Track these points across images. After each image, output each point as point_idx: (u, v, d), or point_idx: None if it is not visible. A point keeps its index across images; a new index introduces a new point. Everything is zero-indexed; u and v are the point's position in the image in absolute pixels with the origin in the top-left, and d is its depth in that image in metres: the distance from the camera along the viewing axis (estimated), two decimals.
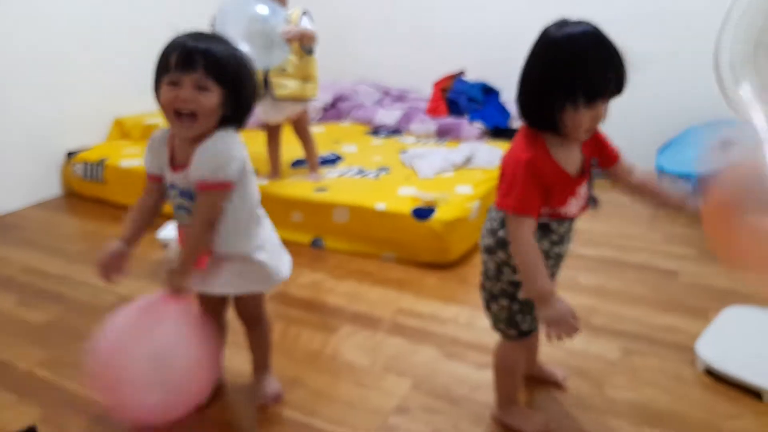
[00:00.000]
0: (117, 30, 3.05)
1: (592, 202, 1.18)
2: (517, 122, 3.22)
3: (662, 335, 1.66)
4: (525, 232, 1.06)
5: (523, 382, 1.42)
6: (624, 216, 2.57)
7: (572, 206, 1.13)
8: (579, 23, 1.00)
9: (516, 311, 1.19)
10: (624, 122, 3.23)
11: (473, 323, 1.72)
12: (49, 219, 2.63)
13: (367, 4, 3.77)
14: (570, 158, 1.09)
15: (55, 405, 1.41)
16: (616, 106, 3.07)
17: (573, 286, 1.92)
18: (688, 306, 1.81)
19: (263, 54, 2.08)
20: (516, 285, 1.17)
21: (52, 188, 2.89)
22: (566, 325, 1.04)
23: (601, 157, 1.17)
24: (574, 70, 0.97)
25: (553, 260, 1.19)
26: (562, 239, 1.18)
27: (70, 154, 2.87)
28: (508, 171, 1.08)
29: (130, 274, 2.04)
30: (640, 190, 1.19)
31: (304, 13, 2.25)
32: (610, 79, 0.99)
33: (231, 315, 1.42)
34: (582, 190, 1.13)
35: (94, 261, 1.26)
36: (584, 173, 1.13)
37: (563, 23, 1.01)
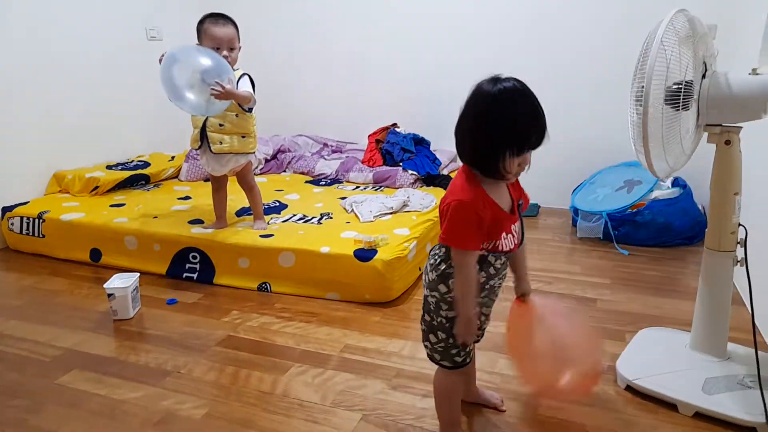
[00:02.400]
0: (55, 84, 3.06)
1: (522, 238, 1.32)
2: (445, 170, 3.45)
3: None
4: (468, 263, 1.18)
5: (464, 408, 1.52)
6: (545, 252, 2.80)
7: (507, 241, 1.25)
8: (508, 79, 1.13)
9: (451, 345, 1.29)
10: (543, 166, 3.55)
11: (416, 356, 1.82)
12: None
13: (306, 67, 3.99)
14: (502, 197, 1.22)
15: None
16: (534, 154, 3.37)
17: (504, 316, 2.07)
18: (607, 330, 1.99)
19: (204, 104, 2.17)
20: (451, 320, 1.27)
21: None
22: (468, 328, 1.23)
23: (522, 200, 1.32)
24: (507, 124, 1.11)
25: (487, 292, 1.30)
26: (498, 272, 1.28)
27: (5, 210, 2.80)
28: (450, 211, 1.16)
29: (74, 326, 2.04)
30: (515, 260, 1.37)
31: (243, 75, 2.34)
32: (536, 132, 1.13)
33: None
34: (515, 227, 1.26)
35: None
36: (514, 212, 1.26)
37: (495, 79, 1.13)
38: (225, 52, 2.26)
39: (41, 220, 2.69)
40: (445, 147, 3.65)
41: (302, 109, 4.07)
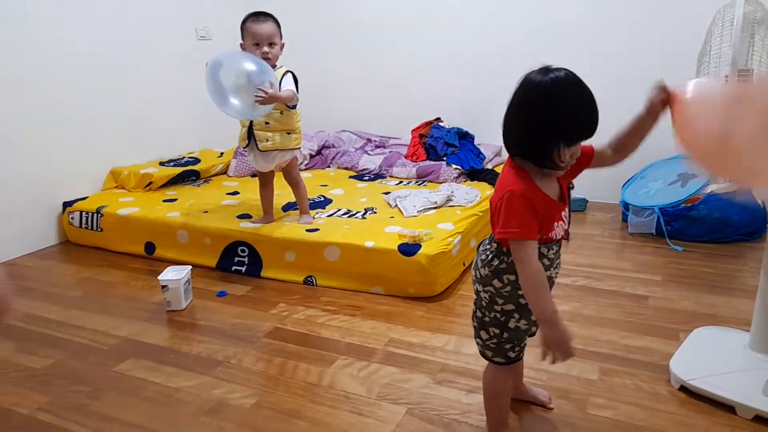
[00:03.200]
0: (111, 85, 3.19)
1: (568, 232, 1.27)
2: (490, 164, 3.41)
3: (637, 356, 1.76)
4: (531, 255, 1.12)
5: (512, 405, 1.51)
6: (594, 248, 2.73)
7: (559, 229, 1.22)
8: (559, 69, 1.09)
9: (505, 340, 1.27)
10: None
11: (461, 351, 1.82)
12: (46, 267, 2.68)
13: (349, 63, 4.01)
14: (550, 187, 1.18)
15: None
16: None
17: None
18: (660, 328, 1.94)
19: (249, 108, 2.23)
20: (507, 314, 1.25)
21: (50, 238, 2.96)
22: (565, 348, 1.11)
23: (579, 168, 1.24)
24: (561, 114, 1.07)
25: (557, 259, 1.29)
26: (552, 263, 1.25)
27: (66, 205, 2.95)
28: (504, 203, 1.12)
29: (131, 316, 2.14)
30: (623, 145, 1.28)
31: (287, 73, 2.39)
32: (588, 122, 1.10)
33: None
34: (564, 213, 1.24)
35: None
36: (563, 199, 1.22)
37: (546, 69, 1.09)
38: (265, 48, 2.30)
39: (99, 215, 2.82)
40: (489, 141, 3.61)
41: (346, 104, 4.10)
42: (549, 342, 1.12)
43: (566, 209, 1.24)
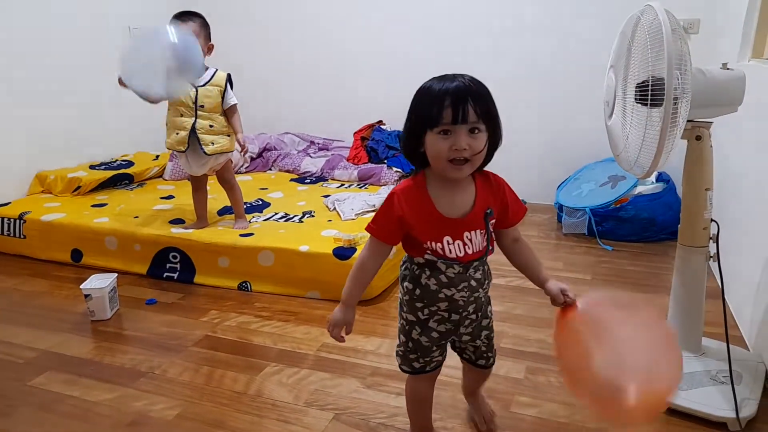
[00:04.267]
0: (38, 85, 3.04)
1: (488, 250, 1.19)
2: None
3: None
4: (368, 249, 1.20)
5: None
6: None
7: (455, 248, 1.14)
8: (451, 76, 1.07)
9: (409, 350, 1.25)
10: (527, 162, 3.56)
11: (392, 354, 1.77)
12: None
13: (292, 65, 3.97)
14: (449, 199, 1.13)
15: None
16: (518, 150, 3.41)
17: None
18: None
19: (173, 81, 2.15)
20: (409, 324, 1.23)
21: None
22: (333, 329, 1.22)
23: (501, 214, 1.18)
24: (417, 103, 1.09)
25: (447, 303, 1.18)
26: (453, 283, 1.16)
27: None
28: None
29: (52, 328, 2.04)
30: (519, 266, 1.26)
31: (229, 81, 2.38)
32: (446, 105, 1.04)
33: None
34: (471, 236, 1.15)
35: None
36: (470, 219, 1.15)
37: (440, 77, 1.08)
38: None
39: (22, 221, 2.68)
40: None
41: (289, 107, 4.05)
42: (329, 319, 1.23)
43: (473, 232, 1.15)
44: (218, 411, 1.55)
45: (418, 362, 1.27)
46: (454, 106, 1.04)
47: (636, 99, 1.38)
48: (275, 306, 2.19)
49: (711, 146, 1.49)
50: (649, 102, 1.33)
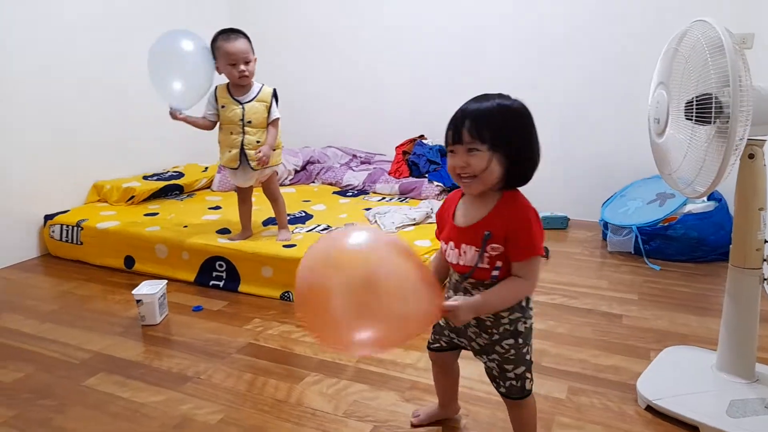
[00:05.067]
0: (97, 100, 3.21)
1: (473, 269, 1.19)
2: None
3: (607, 375, 1.77)
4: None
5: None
6: (572, 266, 2.75)
7: (450, 251, 1.22)
8: (478, 97, 1.17)
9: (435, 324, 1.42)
10: (572, 179, 3.51)
11: (427, 368, 1.81)
12: (24, 280, 2.67)
13: (336, 80, 4.05)
14: (466, 209, 1.23)
15: None
16: (563, 165, 3.36)
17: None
18: (631, 347, 1.94)
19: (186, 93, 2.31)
20: None
21: (31, 251, 2.95)
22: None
23: (505, 242, 1.15)
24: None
25: (462, 292, 1.24)
26: (454, 287, 1.25)
27: (47, 218, 2.95)
28: None
29: (105, 330, 2.13)
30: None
31: (274, 96, 2.45)
32: (450, 128, 1.16)
33: None
34: (465, 249, 1.18)
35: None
36: (474, 236, 1.17)
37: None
38: (242, 67, 2.32)
39: (79, 228, 2.82)
40: None
41: (332, 121, 4.13)
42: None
43: (469, 247, 1.18)
44: (260, 417, 1.58)
45: (431, 337, 1.45)
46: (453, 128, 1.16)
47: (692, 117, 1.35)
48: None
49: (765, 164, 1.44)
50: (713, 119, 1.29)
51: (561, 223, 3.33)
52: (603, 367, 1.82)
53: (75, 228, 2.83)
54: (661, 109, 1.54)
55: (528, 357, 1.27)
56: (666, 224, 2.74)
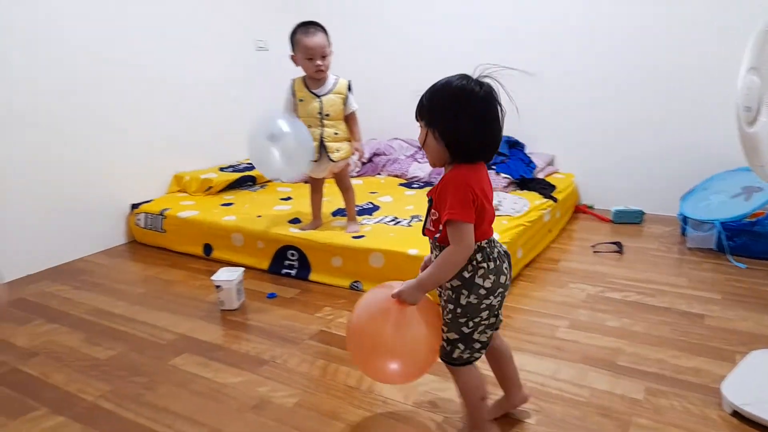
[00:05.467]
0: (177, 94, 3.38)
1: (423, 231, 1.39)
2: (541, 173, 3.36)
3: (687, 377, 1.70)
4: None
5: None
6: (648, 262, 2.64)
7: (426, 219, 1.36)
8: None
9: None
10: (648, 171, 3.36)
11: None
12: (114, 265, 2.87)
13: (399, 71, 4.06)
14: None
15: None
16: (641, 154, 3.21)
17: (599, 328, 2.00)
18: (714, 348, 1.85)
19: (288, 165, 2.38)
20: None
21: (119, 238, 3.17)
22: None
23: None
24: None
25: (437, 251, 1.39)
26: (431, 250, 1.41)
27: (133, 207, 3.15)
28: None
29: (187, 314, 2.26)
30: None
31: (350, 88, 2.51)
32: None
33: None
34: (429, 214, 1.34)
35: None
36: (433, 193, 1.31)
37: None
38: (318, 61, 2.38)
39: (162, 217, 3.00)
40: (541, 150, 3.56)
41: (398, 112, 4.13)
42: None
43: (429, 212, 1.34)
44: (333, 403, 1.64)
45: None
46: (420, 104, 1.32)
47: None
48: None
49: None
50: None
51: (635, 217, 3.20)
52: (683, 368, 1.75)
53: (158, 216, 3.01)
54: (753, 96, 1.45)
55: (465, 331, 1.31)
56: (753, 219, 2.58)
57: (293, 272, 2.58)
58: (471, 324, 1.30)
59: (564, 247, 2.91)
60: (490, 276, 1.28)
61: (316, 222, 2.69)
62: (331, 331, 2.07)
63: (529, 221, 2.61)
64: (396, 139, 4.05)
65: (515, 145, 3.48)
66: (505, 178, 3.18)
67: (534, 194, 3.02)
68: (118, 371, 1.85)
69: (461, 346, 1.33)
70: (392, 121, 4.13)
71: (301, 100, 2.48)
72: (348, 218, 2.67)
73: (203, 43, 3.54)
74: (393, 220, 2.71)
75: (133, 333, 2.12)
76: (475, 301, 1.28)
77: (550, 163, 3.54)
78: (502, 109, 1.28)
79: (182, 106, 3.43)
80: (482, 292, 1.27)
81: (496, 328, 1.43)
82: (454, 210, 1.20)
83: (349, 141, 2.55)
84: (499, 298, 1.31)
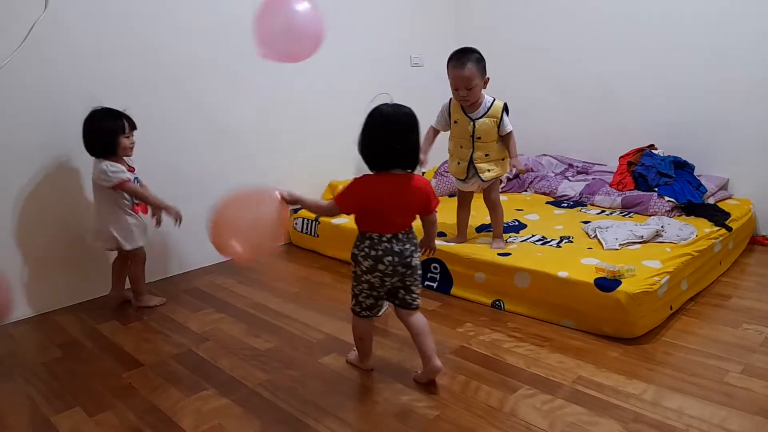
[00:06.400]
0: (333, 105, 3.62)
1: None
2: (712, 198, 3.03)
3: None
4: None
5: None
6: None
7: None
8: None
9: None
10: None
11: (659, 403, 1.66)
12: (272, 264, 3.14)
13: (551, 85, 3.93)
14: None
15: (271, 422, 1.67)
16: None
17: None
18: None
19: None
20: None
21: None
22: None
23: None
24: None
25: None
26: None
27: (292, 211, 3.43)
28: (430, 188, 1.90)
29: (334, 315, 2.40)
30: None
31: (505, 110, 2.50)
32: None
33: None
34: None
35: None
36: None
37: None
38: (462, 93, 2.41)
39: (317, 223, 3.22)
40: (712, 172, 3.21)
41: (546, 128, 4.00)
42: None
43: None
44: (474, 421, 1.62)
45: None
46: None
47: None
48: (528, 329, 2.20)
49: None
50: None
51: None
52: None
53: (314, 222, 3.24)
54: None
55: (354, 291, 1.84)
56: None
57: (435, 285, 2.61)
58: (357, 289, 1.81)
59: (737, 281, 2.59)
60: (369, 260, 1.72)
61: (461, 237, 2.70)
62: (472, 348, 2.06)
63: (696, 250, 2.37)
64: (545, 155, 3.92)
65: (682, 166, 3.16)
66: (669, 201, 2.91)
67: (703, 221, 2.73)
68: (274, 363, 2.02)
69: (353, 301, 1.83)
70: (541, 136, 4.01)
71: (455, 122, 2.54)
72: (494, 235, 2.64)
73: (361, 57, 3.74)
74: (541, 240, 2.63)
75: (287, 329, 2.29)
76: (359, 273, 1.77)
77: (723, 187, 3.17)
78: (396, 130, 1.71)
79: (340, 116, 3.64)
80: (362, 268, 1.74)
81: (405, 308, 1.83)
82: (337, 196, 1.78)
83: (503, 159, 2.56)
84: (377, 280, 1.74)
